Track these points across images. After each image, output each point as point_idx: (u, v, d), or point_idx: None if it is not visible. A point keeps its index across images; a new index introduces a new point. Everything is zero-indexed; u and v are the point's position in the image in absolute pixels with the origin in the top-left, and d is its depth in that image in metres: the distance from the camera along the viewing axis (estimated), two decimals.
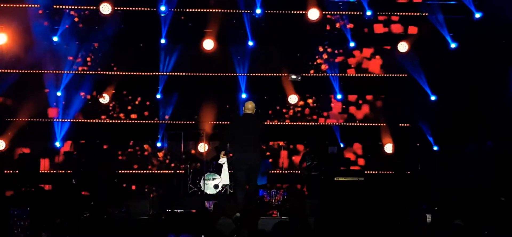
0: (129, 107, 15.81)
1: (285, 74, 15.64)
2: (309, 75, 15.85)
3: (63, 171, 14.67)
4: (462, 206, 10.51)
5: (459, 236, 8.61)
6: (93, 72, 15.53)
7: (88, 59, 15.59)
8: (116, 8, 14.84)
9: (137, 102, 15.84)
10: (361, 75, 15.94)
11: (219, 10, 15.24)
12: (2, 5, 14.77)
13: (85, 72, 15.52)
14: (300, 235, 8.44)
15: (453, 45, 15.05)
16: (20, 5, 14.86)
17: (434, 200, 12.12)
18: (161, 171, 15.58)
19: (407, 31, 15.62)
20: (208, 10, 15.23)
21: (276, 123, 15.85)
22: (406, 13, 15.56)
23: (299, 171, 14.33)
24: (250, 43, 15.26)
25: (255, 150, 10.15)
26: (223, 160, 10.61)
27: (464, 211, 9.67)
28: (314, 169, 12.84)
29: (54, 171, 15.13)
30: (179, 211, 10.99)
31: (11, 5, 14.83)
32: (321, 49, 15.94)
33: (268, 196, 12.25)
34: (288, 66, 15.72)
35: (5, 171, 14.25)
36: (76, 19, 15.10)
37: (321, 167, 12.65)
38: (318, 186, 12.50)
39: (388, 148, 15.58)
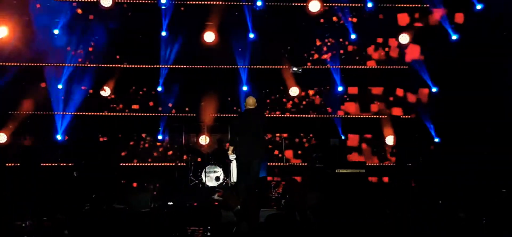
0: (130, 100, 15.78)
1: (286, 67, 15.61)
2: (310, 67, 15.81)
3: (64, 164, 14.72)
4: (464, 198, 10.52)
5: (460, 228, 8.60)
6: (94, 65, 15.50)
7: (89, 50, 15.54)
8: (116, 0, 14.85)
9: (138, 95, 15.81)
10: (363, 67, 15.88)
11: (220, 2, 15.22)
12: None
13: (86, 65, 15.50)
14: (299, 227, 8.43)
15: (454, 37, 15.02)
16: None
17: (435, 193, 12.11)
18: (162, 164, 15.58)
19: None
20: (208, 2, 15.21)
21: (277, 115, 15.82)
22: (408, 5, 15.54)
23: (306, 163, 14.35)
24: (251, 36, 15.25)
25: (257, 145, 10.54)
26: (233, 156, 11.25)
27: (465, 203, 9.68)
28: (319, 162, 12.86)
29: (55, 164, 15.12)
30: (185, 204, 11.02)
31: None
32: (320, 42, 15.88)
33: (268, 189, 12.25)
34: (289, 58, 15.69)
35: (7, 164, 14.25)
36: (79, 11, 15.07)
37: (325, 160, 12.67)
38: (320, 178, 12.50)
39: (389, 140, 15.55)
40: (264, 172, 13.54)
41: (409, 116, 15.66)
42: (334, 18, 15.52)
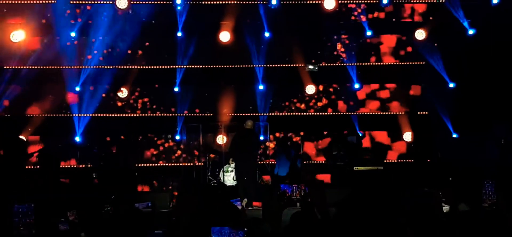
0: (147, 101, 15.85)
1: (302, 65, 15.58)
2: (326, 65, 15.78)
3: (83, 166, 14.81)
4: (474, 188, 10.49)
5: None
6: (111, 67, 15.56)
7: (106, 53, 15.61)
8: (132, 2, 14.90)
9: (155, 96, 15.86)
10: (379, 64, 15.83)
11: (235, 2, 15.22)
12: (20, 1, 14.91)
13: (103, 67, 15.56)
14: (319, 224, 8.42)
15: (471, 32, 14.91)
16: (38, 1, 14.98)
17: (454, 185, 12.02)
18: (180, 164, 15.64)
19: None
20: (223, 2, 15.23)
21: (293, 114, 15.84)
22: (423, 1, 15.48)
23: (326, 160, 14.37)
24: (266, 34, 15.26)
25: (251, 158, 12.19)
26: (232, 165, 13.51)
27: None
28: (340, 159, 12.90)
29: (74, 166, 15.22)
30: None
31: (29, 1, 14.97)
32: (336, 39, 15.85)
33: (290, 190, 12.29)
34: (305, 56, 15.66)
35: (26, 167, 14.32)
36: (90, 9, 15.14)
37: (347, 157, 12.74)
38: (340, 176, 12.55)
39: (407, 136, 15.49)
40: (285, 170, 13.48)
41: (426, 112, 15.58)
42: (352, 13, 15.50)
